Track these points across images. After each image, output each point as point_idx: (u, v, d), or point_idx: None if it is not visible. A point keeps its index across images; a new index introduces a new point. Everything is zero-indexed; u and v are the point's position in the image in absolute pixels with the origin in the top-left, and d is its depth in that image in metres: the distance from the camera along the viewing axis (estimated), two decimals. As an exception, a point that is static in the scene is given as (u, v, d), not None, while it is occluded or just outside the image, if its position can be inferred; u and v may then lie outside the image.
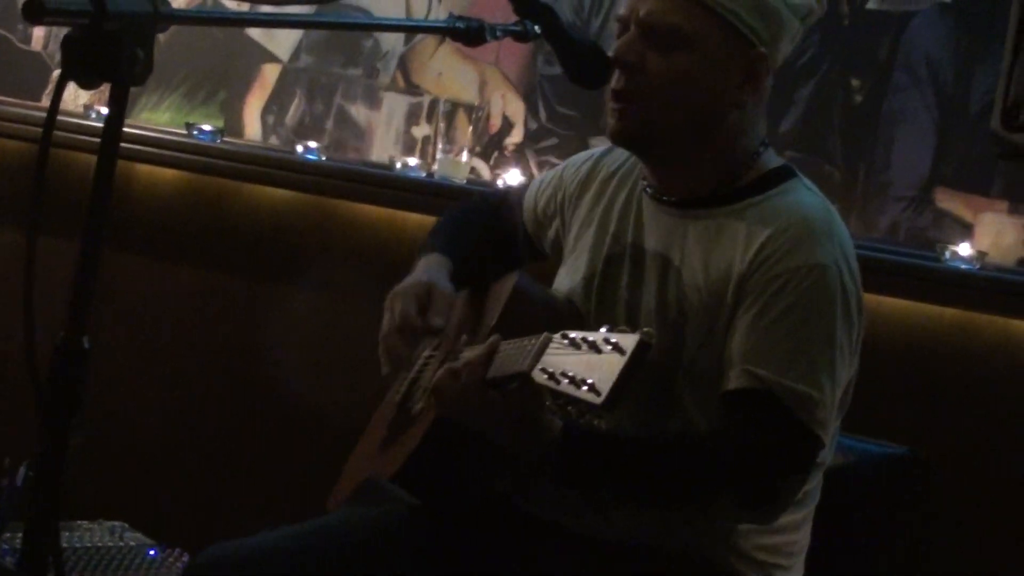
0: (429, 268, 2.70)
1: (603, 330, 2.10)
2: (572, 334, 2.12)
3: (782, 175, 2.53)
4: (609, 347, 2.05)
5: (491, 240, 2.86)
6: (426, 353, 2.72)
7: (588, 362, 2.07)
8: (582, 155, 2.80)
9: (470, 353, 2.35)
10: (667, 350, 2.43)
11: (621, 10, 2.54)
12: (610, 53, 2.50)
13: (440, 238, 2.83)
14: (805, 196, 2.50)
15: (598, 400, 2.02)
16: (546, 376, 2.11)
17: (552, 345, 2.15)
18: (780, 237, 2.40)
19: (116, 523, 3.87)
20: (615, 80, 2.49)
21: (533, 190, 2.84)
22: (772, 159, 2.55)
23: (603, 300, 2.57)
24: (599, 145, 3.62)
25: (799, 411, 2.34)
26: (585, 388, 2.04)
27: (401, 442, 2.57)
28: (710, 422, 2.41)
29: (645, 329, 2.06)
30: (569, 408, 2.09)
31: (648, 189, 2.58)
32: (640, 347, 2.03)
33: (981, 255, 3.38)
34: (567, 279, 2.65)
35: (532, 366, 2.15)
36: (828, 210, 2.49)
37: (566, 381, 2.07)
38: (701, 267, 2.45)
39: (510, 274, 2.61)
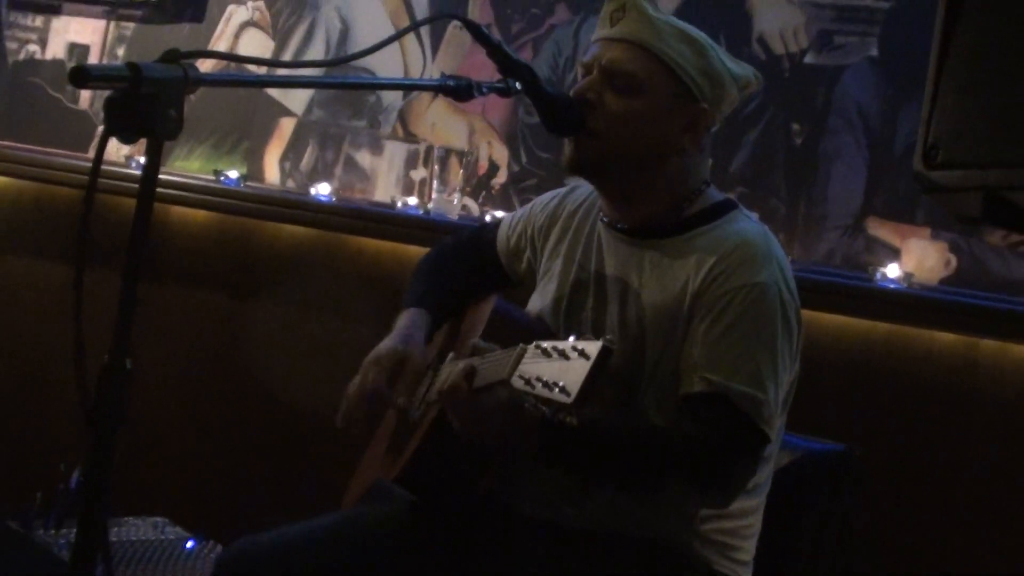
0: (408, 329, 2.71)
1: (571, 339, 2.12)
2: (544, 344, 2.15)
3: (725, 207, 2.56)
4: (576, 353, 2.08)
5: (467, 276, 2.85)
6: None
7: (558, 368, 2.09)
8: (548, 195, 2.81)
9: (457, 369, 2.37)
10: (630, 361, 2.46)
11: (585, 58, 2.56)
12: (572, 92, 2.52)
13: (419, 287, 2.83)
14: (746, 224, 2.53)
15: (568, 400, 2.05)
16: (523, 382, 2.13)
17: (527, 355, 2.17)
18: (725, 260, 2.43)
19: (158, 519, 3.85)
20: None
21: (504, 227, 2.85)
22: (715, 194, 2.58)
23: (570, 319, 2.58)
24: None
25: (747, 409, 2.36)
26: (557, 390, 2.07)
27: (401, 449, 2.57)
28: (667, 422, 2.43)
29: (607, 336, 2.09)
30: (544, 408, 2.12)
31: (604, 219, 2.60)
32: (603, 352, 2.05)
33: (908, 276, 3.38)
34: (539, 302, 2.67)
35: (511, 374, 2.17)
36: (766, 235, 2.52)
37: (540, 385, 2.09)
38: (658, 289, 2.47)
39: (489, 297, 2.63)
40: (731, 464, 2.40)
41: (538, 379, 2.10)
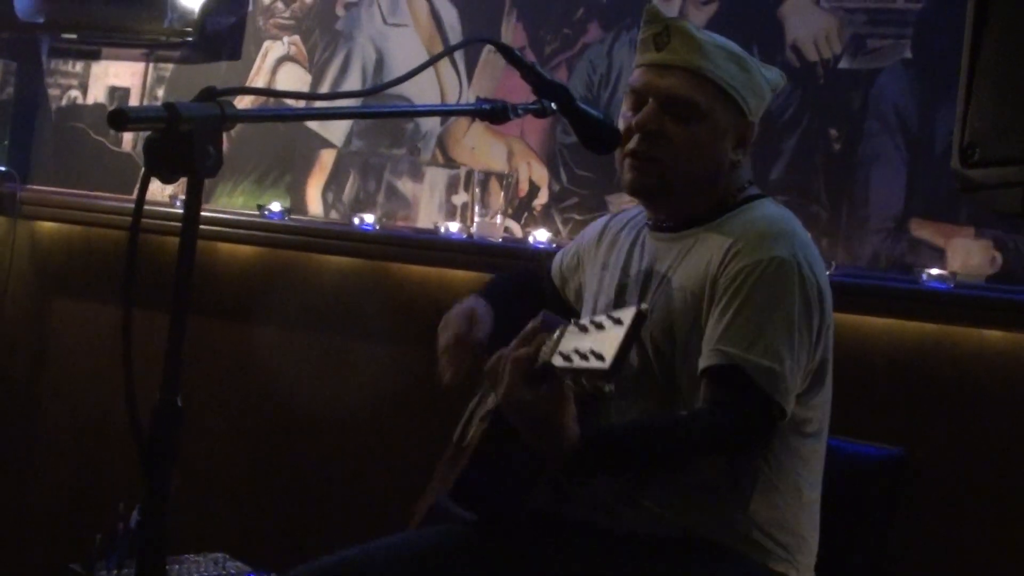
0: (472, 300, 2.80)
1: (606, 312, 2.15)
2: (582, 320, 2.17)
3: (755, 198, 2.59)
4: (611, 322, 2.09)
5: (523, 297, 2.92)
6: (474, 401, 2.76)
7: (595, 338, 2.10)
8: (596, 222, 2.90)
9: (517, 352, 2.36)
10: (664, 345, 2.50)
11: (635, 83, 2.57)
12: (627, 121, 2.55)
13: (484, 291, 2.91)
14: (769, 208, 2.58)
15: (604, 365, 2.04)
16: (562, 359, 2.14)
17: (567, 332, 2.19)
18: (744, 238, 2.46)
19: (219, 554, 3.87)
20: (634, 142, 2.54)
21: (559, 256, 2.98)
22: (752, 191, 2.62)
23: None
24: (614, 201, 3.67)
25: (762, 381, 2.37)
26: (593, 358, 2.07)
27: (454, 467, 2.59)
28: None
29: (643, 304, 2.10)
30: (583, 381, 2.12)
31: (649, 222, 2.65)
32: (638, 317, 2.06)
33: (953, 275, 3.36)
34: (589, 309, 2.71)
35: (551, 354, 2.18)
36: (789, 218, 2.57)
37: (577, 358, 2.10)
38: (685, 273, 2.52)
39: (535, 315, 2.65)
40: (746, 441, 2.44)
41: (576, 351, 2.11)
